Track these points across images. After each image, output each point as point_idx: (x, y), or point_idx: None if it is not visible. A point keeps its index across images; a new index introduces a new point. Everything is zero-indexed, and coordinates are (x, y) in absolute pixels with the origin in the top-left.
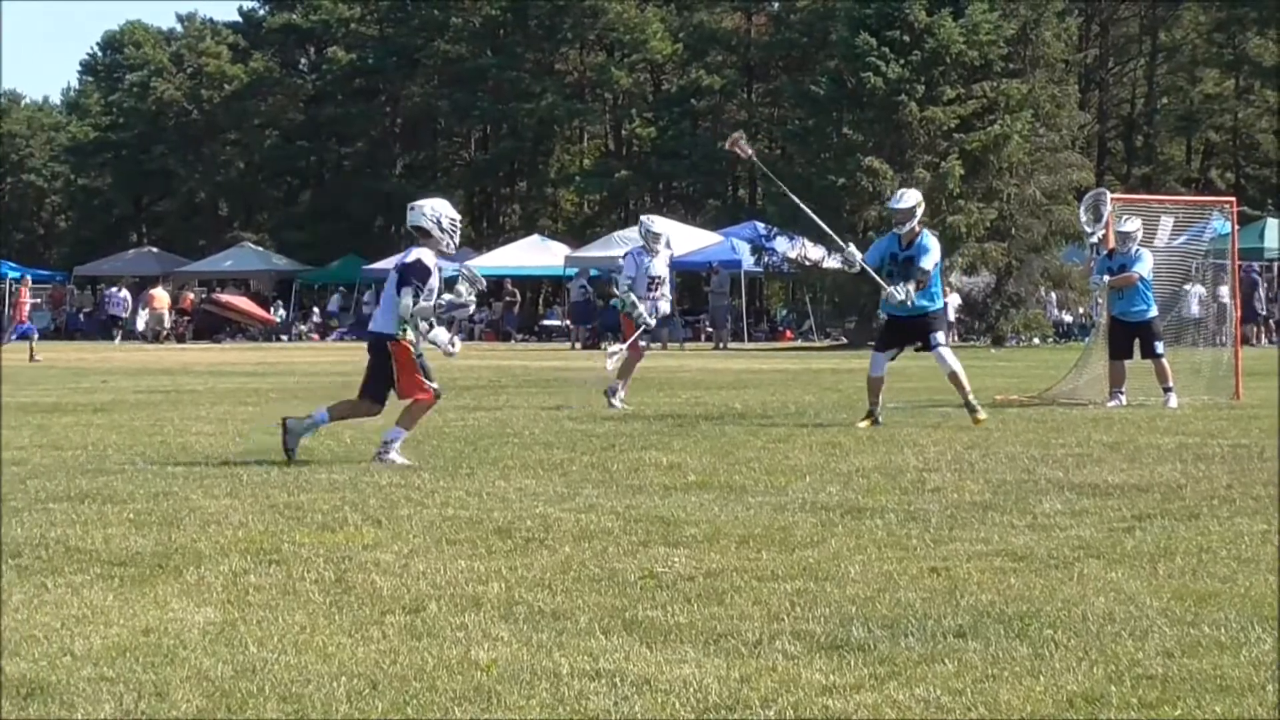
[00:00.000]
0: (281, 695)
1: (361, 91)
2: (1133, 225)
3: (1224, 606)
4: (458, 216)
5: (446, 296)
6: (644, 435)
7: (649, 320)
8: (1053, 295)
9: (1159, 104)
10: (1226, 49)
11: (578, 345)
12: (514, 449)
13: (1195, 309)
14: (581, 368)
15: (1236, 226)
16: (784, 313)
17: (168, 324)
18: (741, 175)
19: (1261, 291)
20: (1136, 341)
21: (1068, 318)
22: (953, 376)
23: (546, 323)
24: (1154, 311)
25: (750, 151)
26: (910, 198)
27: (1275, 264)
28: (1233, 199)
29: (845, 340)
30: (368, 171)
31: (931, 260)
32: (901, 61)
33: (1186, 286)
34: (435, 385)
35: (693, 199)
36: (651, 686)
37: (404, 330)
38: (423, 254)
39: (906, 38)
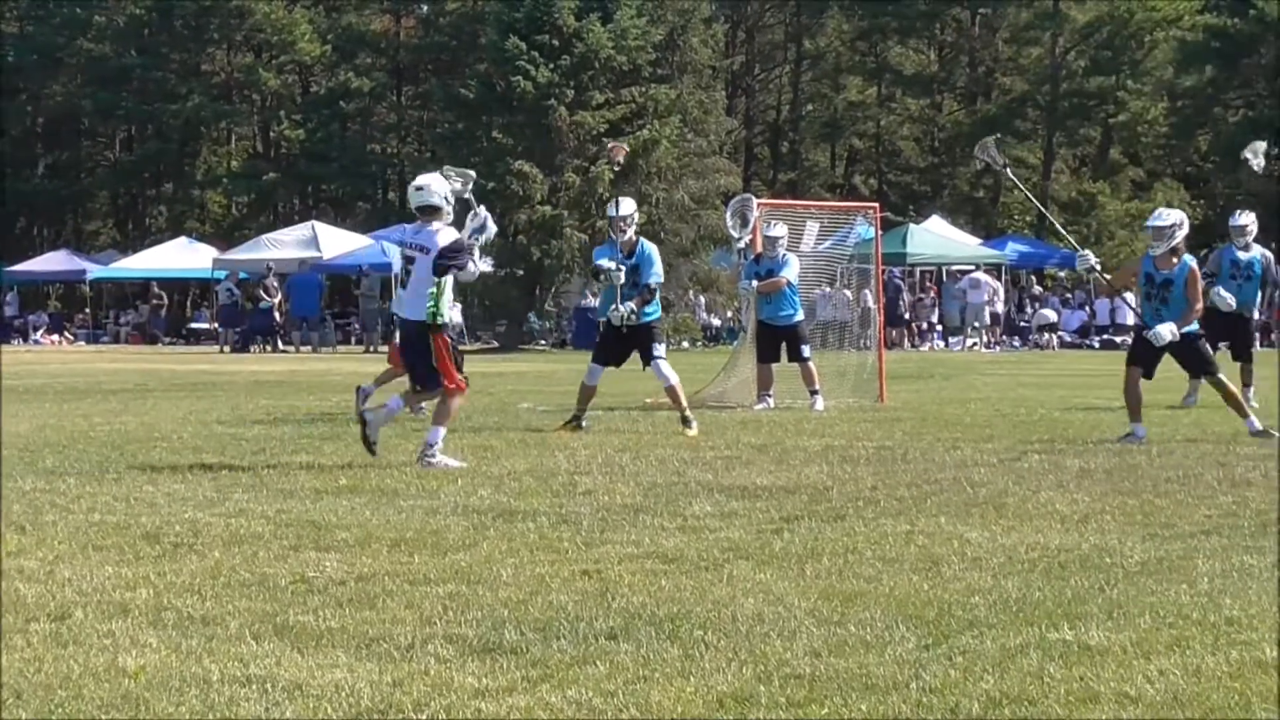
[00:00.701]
0: None
1: (1, 90)
2: (780, 230)
3: (869, 606)
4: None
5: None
6: (294, 439)
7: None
8: (701, 299)
9: (804, 110)
10: (869, 57)
11: (226, 349)
12: (163, 453)
13: (832, 312)
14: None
15: (880, 232)
16: None
17: None
18: (392, 179)
19: (905, 296)
20: (783, 345)
21: (716, 321)
22: (670, 390)
23: (194, 326)
24: (800, 316)
25: (620, 160)
26: (626, 205)
27: (918, 269)
28: (876, 204)
29: (496, 344)
30: (8, 172)
31: (657, 272)
32: (551, 66)
33: (828, 289)
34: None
35: (342, 202)
36: (303, 691)
37: (438, 315)
38: (448, 233)
39: (555, 42)
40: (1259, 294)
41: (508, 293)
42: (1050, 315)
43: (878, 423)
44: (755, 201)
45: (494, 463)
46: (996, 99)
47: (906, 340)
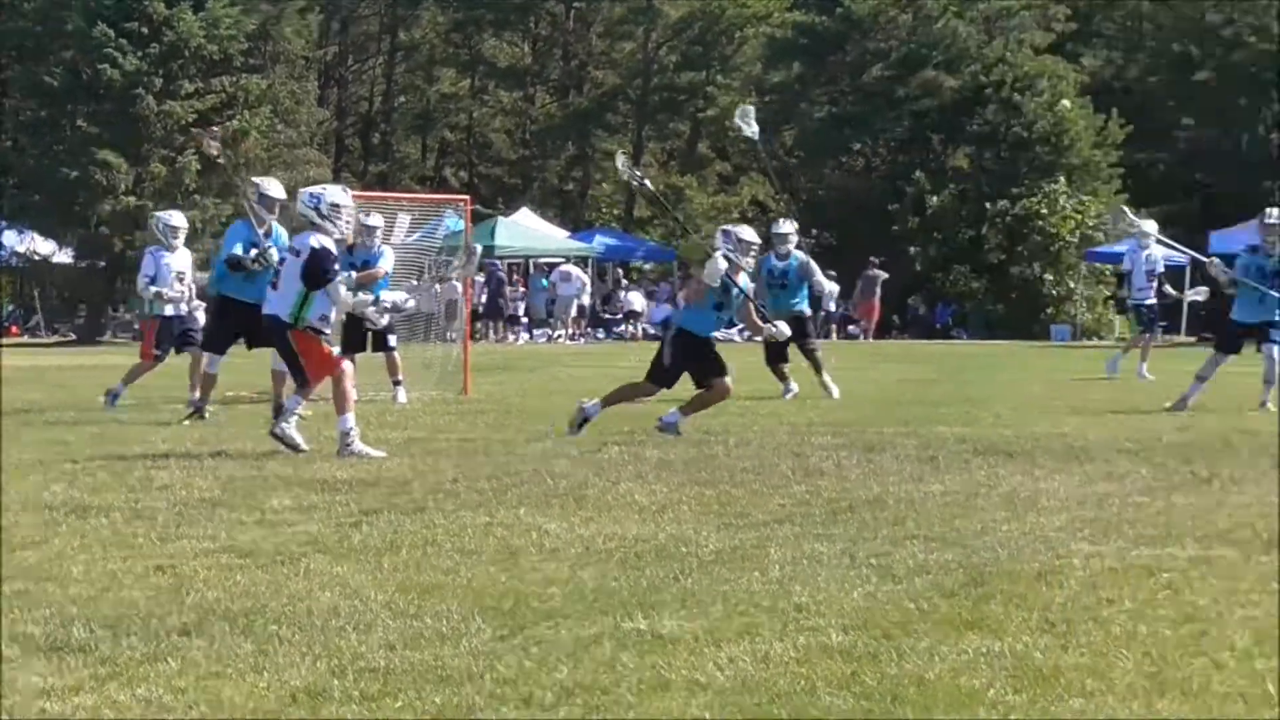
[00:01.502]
0: None
1: None
2: (376, 220)
3: (446, 598)
4: (343, 202)
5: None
6: None
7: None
8: None
9: (397, 102)
10: (463, 49)
11: None
12: None
13: (419, 304)
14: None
15: (470, 224)
16: (10, 308)
17: None
18: None
19: (507, 288)
20: (368, 335)
21: None
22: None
23: None
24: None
25: (214, 151)
26: (273, 186)
27: (505, 261)
28: (467, 197)
29: (75, 336)
30: None
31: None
32: (139, 54)
33: (415, 282)
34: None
35: None
36: None
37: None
38: (322, 240)
39: (145, 29)
40: (798, 296)
41: (93, 284)
42: (635, 301)
43: (461, 415)
44: (349, 192)
45: (69, 458)
46: (589, 92)
47: (491, 332)
